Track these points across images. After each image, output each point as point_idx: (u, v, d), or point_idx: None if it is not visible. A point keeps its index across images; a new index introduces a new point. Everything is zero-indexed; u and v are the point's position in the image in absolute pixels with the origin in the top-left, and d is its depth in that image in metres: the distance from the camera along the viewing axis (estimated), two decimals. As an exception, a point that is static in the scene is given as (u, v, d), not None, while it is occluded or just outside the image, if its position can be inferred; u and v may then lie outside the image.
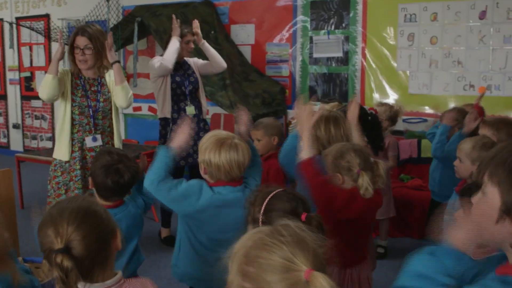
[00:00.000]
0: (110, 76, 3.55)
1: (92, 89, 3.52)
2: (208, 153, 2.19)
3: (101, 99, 3.53)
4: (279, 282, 1.03)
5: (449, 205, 2.82)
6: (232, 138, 2.23)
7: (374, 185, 2.29)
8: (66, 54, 3.52)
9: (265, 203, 1.74)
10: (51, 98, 3.43)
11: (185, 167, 4.53)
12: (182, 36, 4.39)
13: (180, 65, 4.51)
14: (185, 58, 4.60)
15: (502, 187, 1.10)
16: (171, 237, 4.66)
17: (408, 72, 5.49)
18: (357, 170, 2.24)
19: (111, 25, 6.16)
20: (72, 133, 3.49)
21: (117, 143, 3.66)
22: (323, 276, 1.01)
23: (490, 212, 1.12)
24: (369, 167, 2.27)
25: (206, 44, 4.55)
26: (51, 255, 1.37)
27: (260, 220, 1.71)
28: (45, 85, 3.36)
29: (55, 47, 7.67)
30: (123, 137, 7.20)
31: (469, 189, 1.97)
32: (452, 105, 5.06)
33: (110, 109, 3.60)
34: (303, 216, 1.72)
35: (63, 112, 3.49)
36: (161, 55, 4.38)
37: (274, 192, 1.80)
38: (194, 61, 4.69)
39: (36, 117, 8.46)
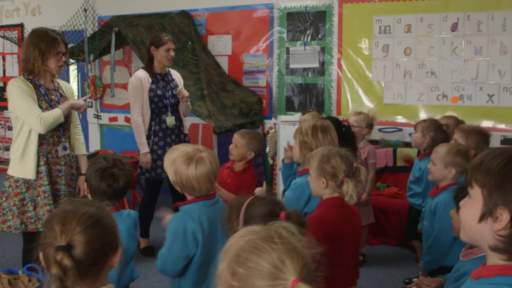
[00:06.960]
0: (67, 88, 3.53)
1: (53, 98, 3.39)
2: (180, 172, 2.17)
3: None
4: None
5: (425, 209, 2.93)
6: (198, 152, 2.21)
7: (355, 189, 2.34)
8: (26, 58, 3.28)
9: (242, 214, 1.75)
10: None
11: (165, 178, 4.52)
12: (162, 43, 4.36)
13: (162, 77, 4.48)
14: (169, 70, 4.58)
15: (484, 191, 1.20)
16: (150, 247, 4.64)
17: (383, 83, 5.60)
18: (341, 177, 2.27)
19: (88, 35, 6.12)
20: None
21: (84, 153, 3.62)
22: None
23: (474, 213, 1.23)
24: (353, 173, 2.31)
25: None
26: (49, 250, 1.36)
27: None
28: (54, 122, 3.24)
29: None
30: (98, 148, 7.18)
31: (463, 188, 2.03)
32: (425, 115, 5.20)
33: (71, 121, 3.50)
34: (282, 215, 1.74)
35: (27, 127, 3.27)
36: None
37: (247, 201, 1.82)
38: (179, 76, 4.66)
39: (9, 128, 8.32)
